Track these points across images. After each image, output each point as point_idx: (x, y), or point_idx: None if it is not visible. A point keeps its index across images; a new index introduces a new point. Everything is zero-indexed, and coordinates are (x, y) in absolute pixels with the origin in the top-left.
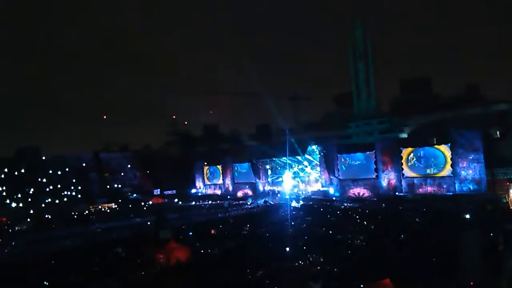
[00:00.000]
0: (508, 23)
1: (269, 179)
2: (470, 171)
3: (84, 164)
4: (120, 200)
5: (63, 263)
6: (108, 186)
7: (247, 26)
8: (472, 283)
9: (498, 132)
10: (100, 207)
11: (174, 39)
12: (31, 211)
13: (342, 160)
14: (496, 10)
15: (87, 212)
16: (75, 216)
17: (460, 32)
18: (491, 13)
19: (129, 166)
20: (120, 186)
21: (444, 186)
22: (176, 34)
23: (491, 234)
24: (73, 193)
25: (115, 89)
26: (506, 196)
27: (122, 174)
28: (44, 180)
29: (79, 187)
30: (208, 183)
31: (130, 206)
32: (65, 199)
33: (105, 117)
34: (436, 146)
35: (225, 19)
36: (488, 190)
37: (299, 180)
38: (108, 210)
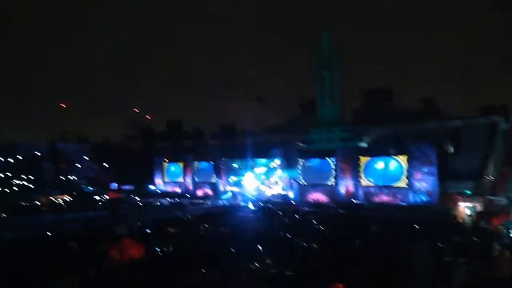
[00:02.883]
0: (469, 41)
1: (230, 180)
2: (424, 183)
3: (38, 153)
4: (74, 193)
5: (11, 256)
6: (62, 177)
7: (215, 26)
8: None
9: (452, 147)
10: (52, 198)
11: (143, 33)
12: None
13: (303, 165)
14: (458, 27)
15: (38, 202)
16: (25, 206)
17: (424, 46)
18: (453, 30)
19: (86, 158)
20: (75, 178)
21: (399, 196)
22: (146, 27)
23: (440, 245)
24: (25, 183)
25: (77, 78)
26: (455, 209)
27: (79, 165)
28: None
29: (31, 177)
30: (168, 180)
31: (84, 199)
32: (16, 188)
33: (64, 105)
34: (394, 157)
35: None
36: (439, 202)
37: (260, 182)
38: (62, 202)
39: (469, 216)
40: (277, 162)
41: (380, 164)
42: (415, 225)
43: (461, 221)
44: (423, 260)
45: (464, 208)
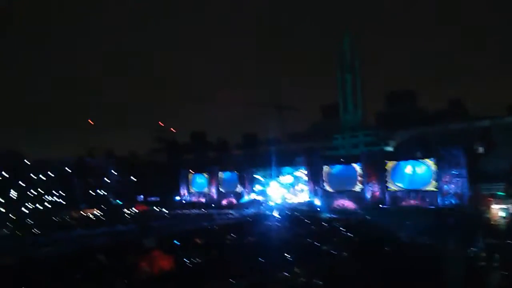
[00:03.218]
0: (493, 41)
1: (255, 189)
2: (453, 186)
3: (68, 169)
4: (103, 206)
5: (44, 270)
6: (91, 192)
7: (235, 32)
8: None
9: (481, 148)
10: (82, 213)
11: (162, 42)
12: (12, 216)
13: (328, 171)
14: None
15: (69, 218)
16: (57, 222)
17: (447, 47)
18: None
19: (113, 172)
20: (104, 192)
21: (427, 200)
22: (164, 36)
23: (473, 249)
24: (56, 198)
25: (102, 94)
26: (488, 211)
27: (106, 180)
28: (26, 184)
29: (62, 192)
30: (193, 191)
31: (113, 212)
32: (48, 204)
33: (90, 121)
34: (421, 160)
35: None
36: (471, 205)
37: (285, 190)
38: (91, 217)
39: (503, 218)
40: (302, 171)
41: (408, 168)
42: (445, 229)
43: (494, 223)
44: (455, 264)
45: (497, 210)
